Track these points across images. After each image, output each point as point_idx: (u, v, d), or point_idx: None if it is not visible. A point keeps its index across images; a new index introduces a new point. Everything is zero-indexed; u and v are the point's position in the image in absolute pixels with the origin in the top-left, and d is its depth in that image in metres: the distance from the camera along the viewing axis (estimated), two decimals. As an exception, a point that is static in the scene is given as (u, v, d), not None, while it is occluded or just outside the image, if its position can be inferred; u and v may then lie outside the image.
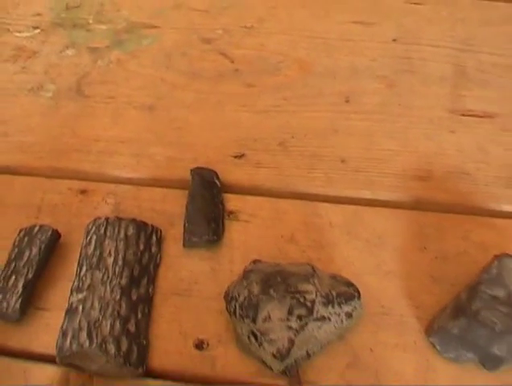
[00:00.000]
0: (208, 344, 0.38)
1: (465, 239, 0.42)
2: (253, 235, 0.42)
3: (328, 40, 0.52)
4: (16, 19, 0.55)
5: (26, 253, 0.41)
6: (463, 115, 0.48)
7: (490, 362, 0.38)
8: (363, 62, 0.51)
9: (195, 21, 0.53)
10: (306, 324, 0.36)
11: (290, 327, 0.36)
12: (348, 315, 0.38)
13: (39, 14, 0.55)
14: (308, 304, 0.37)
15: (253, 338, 0.37)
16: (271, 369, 0.37)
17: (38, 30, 0.54)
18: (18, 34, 0.54)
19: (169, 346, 0.38)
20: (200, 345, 0.38)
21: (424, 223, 0.43)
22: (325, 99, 0.48)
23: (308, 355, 0.38)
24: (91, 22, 0.54)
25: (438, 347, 0.39)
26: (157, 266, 0.41)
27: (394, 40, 0.52)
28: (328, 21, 0.53)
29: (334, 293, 0.38)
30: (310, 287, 0.37)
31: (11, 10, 0.56)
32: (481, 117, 0.48)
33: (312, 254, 0.41)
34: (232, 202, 0.43)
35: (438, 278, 0.41)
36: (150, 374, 0.37)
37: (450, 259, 0.41)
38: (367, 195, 0.44)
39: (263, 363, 0.37)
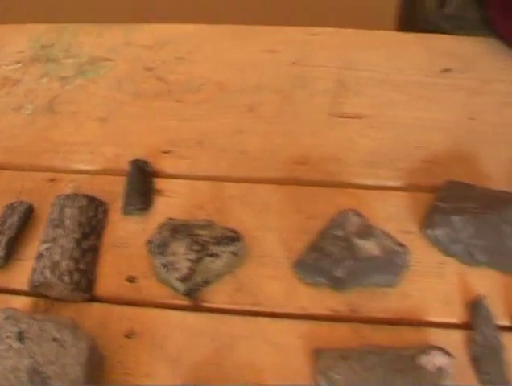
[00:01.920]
0: (136, 278, 0.59)
1: (331, 204, 0.62)
2: (173, 205, 0.63)
3: (241, 66, 0.74)
4: (3, 56, 0.77)
5: (9, 221, 0.62)
6: (340, 117, 0.69)
7: (337, 283, 0.58)
8: (266, 81, 0.72)
9: (140, 54, 0.75)
10: (201, 258, 0.57)
11: (189, 259, 0.57)
12: (234, 254, 0.58)
13: (21, 52, 0.78)
14: (202, 243, 0.57)
15: (164, 269, 0.57)
16: (179, 291, 0.57)
17: (20, 64, 0.77)
18: (5, 68, 0.76)
19: (109, 280, 0.58)
20: (131, 279, 0.59)
21: (301, 194, 0.63)
22: (234, 109, 0.70)
23: (206, 282, 0.58)
24: (61, 57, 0.76)
25: (300, 275, 0.59)
26: (102, 227, 0.62)
27: (294, 63, 0.74)
28: (243, 51, 0.75)
29: (221, 237, 0.58)
30: (204, 232, 0.58)
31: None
32: (353, 117, 0.69)
33: (215, 217, 0.61)
34: (159, 183, 0.64)
35: (308, 231, 0.61)
36: (95, 299, 0.58)
37: (318, 218, 0.62)
38: (259, 175, 0.65)
39: (173, 287, 0.57)
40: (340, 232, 0.58)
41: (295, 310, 0.57)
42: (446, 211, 0.60)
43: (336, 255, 0.57)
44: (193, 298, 0.57)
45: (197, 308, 0.57)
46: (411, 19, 0.86)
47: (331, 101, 0.70)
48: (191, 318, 0.56)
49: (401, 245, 0.58)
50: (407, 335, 0.55)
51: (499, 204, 0.61)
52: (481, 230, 0.59)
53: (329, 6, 1.04)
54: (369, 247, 0.57)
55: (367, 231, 0.58)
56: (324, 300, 0.57)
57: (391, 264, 0.57)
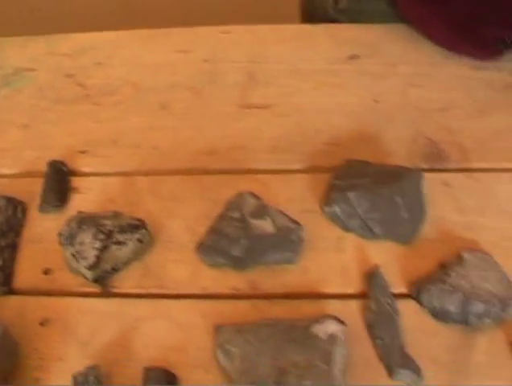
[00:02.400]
0: (51, 270, 0.63)
1: (235, 190, 0.66)
2: (86, 201, 0.67)
3: (156, 67, 0.79)
4: None
5: None
6: (248, 108, 0.74)
7: (236, 263, 0.62)
8: (179, 79, 0.77)
9: (62, 63, 0.80)
10: (107, 246, 0.61)
11: (95, 248, 0.61)
12: (140, 241, 0.62)
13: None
14: (106, 232, 0.61)
15: (73, 259, 0.61)
16: (88, 279, 0.61)
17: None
18: None
19: (26, 274, 0.63)
20: (46, 271, 0.63)
21: (207, 183, 0.68)
22: (147, 107, 0.75)
23: (114, 269, 0.62)
24: (-11, 70, 0.82)
25: (202, 258, 0.63)
26: (21, 225, 0.67)
27: (205, 61, 0.79)
28: (157, 53, 0.80)
29: (126, 225, 0.62)
30: (110, 222, 0.62)
31: None
32: (261, 108, 0.74)
33: (125, 209, 0.65)
34: (75, 182, 0.69)
35: (211, 216, 0.65)
36: (13, 292, 0.62)
37: (221, 203, 0.66)
38: (169, 167, 0.69)
39: (83, 275, 0.62)
40: (236, 214, 0.62)
41: (199, 290, 0.61)
42: (342, 188, 0.65)
43: (232, 235, 0.61)
44: (103, 285, 0.61)
45: (107, 294, 0.61)
46: (312, 16, 0.90)
47: (240, 94, 0.75)
48: (100, 303, 0.61)
49: (295, 222, 0.62)
50: (305, 308, 0.60)
51: (392, 178, 0.65)
52: (376, 204, 0.64)
53: (238, 6, 1.10)
54: (264, 225, 0.61)
55: (263, 211, 0.62)
56: (226, 279, 0.62)
57: (287, 241, 0.61)
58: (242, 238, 0.61)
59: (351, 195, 0.64)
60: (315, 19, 0.89)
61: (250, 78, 0.76)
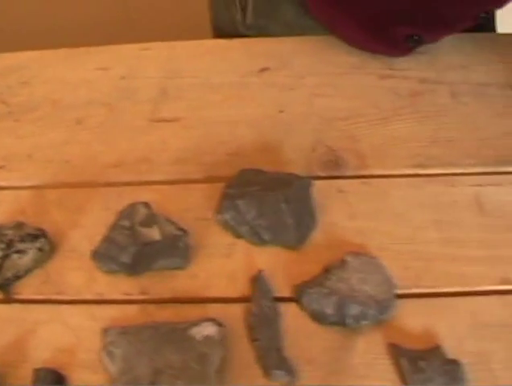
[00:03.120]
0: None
1: (136, 200, 0.70)
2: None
3: (76, 84, 0.84)
4: None
5: None
6: (158, 122, 0.79)
7: (128, 269, 0.66)
8: (96, 96, 0.82)
9: (-12, 85, 0.87)
10: (8, 255, 0.66)
11: (-5, 258, 0.66)
12: (40, 249, 0.67)
13: None
14: (7, 241, 0.66)
15: (-24, 268, 0.66)
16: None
17: None
18: None
19: None
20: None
21: (112, 194, 0.72)
22: (64, 123, 0.80)
23: (16, 277, 0.67)
24: None
25: (97, 265, 0.67)
26: None
27: (123, 77, 0.84)
28: (78, 71, 0.86)
29: (26, 235, 0.67)
30: (11, 232, 0.67)
31: None
32: (170, 121, 0.79)
33: (32, 219, 0.70)
34: (-7, 196, 0.75)
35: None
36: None
37: (124, 214, 0.70)
38: (78, 180, 0.74)
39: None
40: (126, 223, 0.67)
41: (93, 296, 0.66)
42: (233, 196, 0.69)
43: (121, 243, 0.65)
44: (5, 292, 0.66)
45: (8, 300, 0.66)
46: (223, 32, 0.95)
47: (151, 109, 0.80)
48: (1, 309, 0.66)
49: (182, 230, 0.66)
50: (191, 312, 0.64)
51: (280, 185, 0.69)
52: (263, 210, 0.68)
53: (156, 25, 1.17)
54: (151, 233, 0.66)
55: (151, 219, 0.67)
56: (119, 285, 0.66)
57: (174, 247, 0.66)
58: (130, 245, 0.65)
59: (240, 202, 0.68)
60: (225, 35, 0.93)
61: (163, 93, 0.81)
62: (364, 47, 0.83)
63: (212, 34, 0.97)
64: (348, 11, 0.82)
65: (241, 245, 0.68)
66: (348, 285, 0.64)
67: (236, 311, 0.64)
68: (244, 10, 0.91)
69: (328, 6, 0.83)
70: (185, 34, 0.85)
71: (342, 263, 0.65)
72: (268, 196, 0.68)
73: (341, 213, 0.70)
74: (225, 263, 0.67)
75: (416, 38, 0.81)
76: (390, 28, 0.81)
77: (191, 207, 0.71)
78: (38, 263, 0.68)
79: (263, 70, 0.83)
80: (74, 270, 0.68)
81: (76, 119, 0.80)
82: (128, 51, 0.87)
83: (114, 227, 0.67)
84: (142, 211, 0.67)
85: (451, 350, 0.59)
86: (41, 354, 0.63)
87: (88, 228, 0.70)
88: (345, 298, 0.62)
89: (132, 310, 0.65)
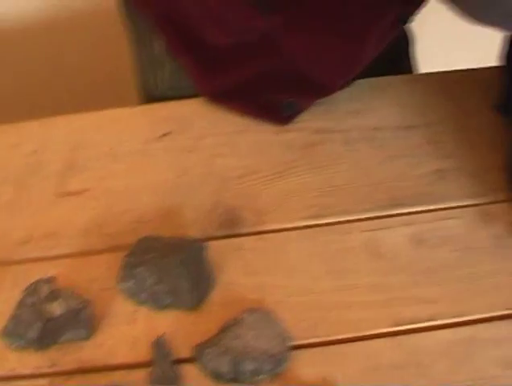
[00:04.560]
0: None
1: (44, 275, 0.76)
2: None
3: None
4: None
5: None
6: (64, 195, 0.84)
7: (35, 344, 0.71)
8: (5, 174, 0.86)
9: None
10: None
11: None
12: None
13: None
14: None
15: None
16: None
17: None
18: None
19: None
20: None
21: (21, 271, 0.77)
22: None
23: None
24: None
25: (7, 342, 0.72)
26: None
27: (34, 152, 0.89)
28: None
29: None
30: None
31: None
32: (75, 194, 0.84)
33: None
34: None
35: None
36: None
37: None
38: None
39: None
40: (30, 300, 0.72)
41: (6, 372, 0.70)
42: (132, 264, 0.74)
43: (27, 320, 0.70)
44: None
45: None
46: (148, 96, 1.02)
47: (58, 182, 0.85)
48: None
49: (84, 302, 0.71)
50: (97, 380, 0.68)
51: (175, 250, 0.75)
52: (161, 276, 0.73)
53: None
54: (54, 308, 0.71)
55: (54, 295, 0.72)
56: (30, 360, 0.71)
57: (77, 320, 0.71)
58: (35, 322, 0.70)
59: (139, 270, 0.73)
60: (150, 99, 0.99)
61: (70, 166, 0.86)
62: (256, 118, 0.89)
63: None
64: (225, 87, 0.89)
65: (143, 312, 0.73)
66: (243, 342, 0.69)
67: (139, 376, 0.69)
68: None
69: (207, 83, 0.90)
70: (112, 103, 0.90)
71: (238, 320, 0.71)
72: (164, 262, 0.74)
73: (238, 271, 0.76)
74: (128, 330, 0.72)
75: (285, 102, 0.87)
76: (264, 97, 0.88)
77: (95, 277, 0.76)
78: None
79: (165, 135, 0.88)
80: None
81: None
82: (37, 127, 0.92)
83: (20, 304, 0.72)
84: (46, 287, 0.73)
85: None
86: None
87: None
88: (240, 355, 0.68)
89: (41, 383, 0.69)
